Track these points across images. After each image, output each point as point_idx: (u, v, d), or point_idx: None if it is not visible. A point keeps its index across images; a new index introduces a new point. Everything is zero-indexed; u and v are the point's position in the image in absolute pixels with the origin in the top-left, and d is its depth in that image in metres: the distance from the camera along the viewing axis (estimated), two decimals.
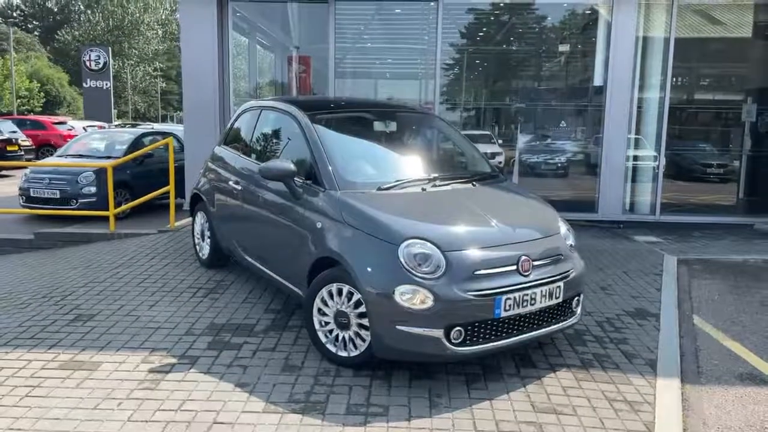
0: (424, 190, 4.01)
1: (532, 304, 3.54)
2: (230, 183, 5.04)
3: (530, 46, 10.74)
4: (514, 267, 3.52)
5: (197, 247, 5.91)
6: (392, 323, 3.37)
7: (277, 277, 4.45)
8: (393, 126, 4.76)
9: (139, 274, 5.62)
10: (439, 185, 4.08)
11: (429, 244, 3.43)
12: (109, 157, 9.33)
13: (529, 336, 3.61)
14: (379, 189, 3.93)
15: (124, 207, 8.30)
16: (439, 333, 3.32)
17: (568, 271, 3.78)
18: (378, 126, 4.69)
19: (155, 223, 8.07)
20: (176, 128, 16.15)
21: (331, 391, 3.43)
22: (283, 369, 3.70)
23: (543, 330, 3.67)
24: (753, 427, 3.25)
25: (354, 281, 3.51)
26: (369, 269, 3.47)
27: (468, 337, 3.40)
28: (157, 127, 17.90)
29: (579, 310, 3.93)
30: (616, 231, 8.38)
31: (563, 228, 4.03)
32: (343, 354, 3.71)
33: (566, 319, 3.82)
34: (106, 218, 7.69)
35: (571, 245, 3.98)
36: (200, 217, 5.77)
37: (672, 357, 4.08)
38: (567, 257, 3.85)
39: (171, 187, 7.53)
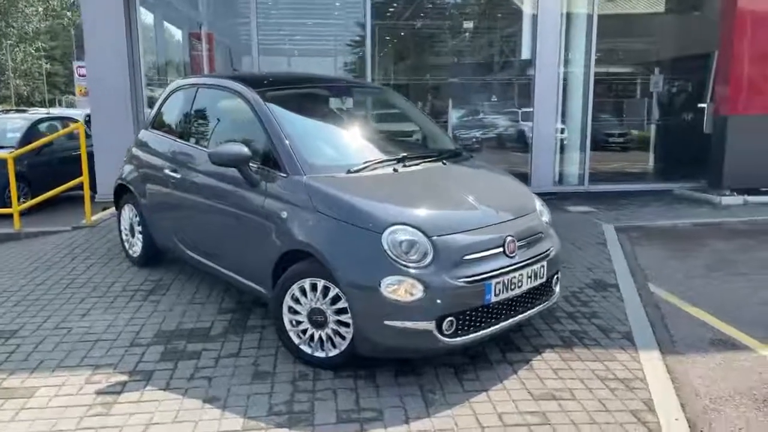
0: (396, 171, 3.72)
1: (519, 287, 3.37)
2: (165, 171, 4.51)
3: (456, 21, 10.61)
4: (501, 249, 3.32)
5: (126, 244, 5.32)
6: (379, 318, 3.08)
7: (232, 274, 4.03)
8: (349, 103, 4.42)
9: (61, 278, 4.97)
10: (410, 165, 3.81)
11: (414, 229, 3.15)
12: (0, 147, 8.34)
13: (516, 319, 3.45)
14: (349, 172, 3.60)
15: (32, 202, 7.39)
16: (430, 325, 3.07)
17: (549, 249, 3.64)
18: (334, 103, 4.33)
19: (65, 218, 7.28)
20: (72, 113, 14.83)
21: (314, 398, 3.11)
22: (254, 377, 3.33)
23: (528, 312, 3.52)
24: (742, 394, 3.26)
25: (331, 275, 3.19)
26: (349, 261, 3.16)
27: (459, 327, 3.18)
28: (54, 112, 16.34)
29: (557, 288, 3.82)
30: (552, 202, 8.46)
31: (538, 204, 3.89)
32: (320, 355, 3.38)
33: (548, 299, 3.69)
34: (6, 216, 6.84)
35: (546, 222, 3.85)
36: (128, 211, 5.18)
37: (644, 328, 4.06)
38: (546, 235, 3.71)
39: (85, 178, 6.78)
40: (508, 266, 3.31)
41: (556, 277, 3.77)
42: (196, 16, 10.27)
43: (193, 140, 4.42)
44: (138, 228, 5.08)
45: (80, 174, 6.79)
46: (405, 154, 3.91)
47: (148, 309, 4.29)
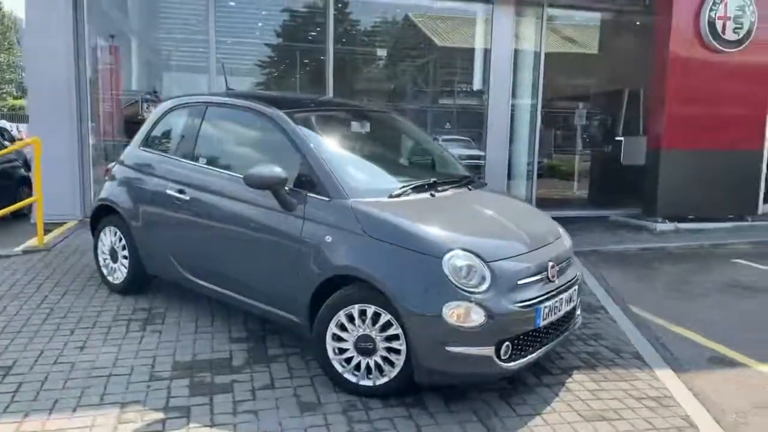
0: (433, 195, 3.74)
1: (559, 311, 3.48)
2: (169, 193, 4.26)
3: (413, 49, 10.87)
4: (546, 273, 3.43)
5: (104, 269, 4.94)
6: (440, 345, 3.07)
7: (255, 303, 3.85)
8: (367, 127, 4.39)
9: (35, 307, 4.53)
10: (441, 190, 3.85)
11: (472, 255, 3.18)
12: None
13: (554, 343, 3.55)
14: (390, 196, 3.58)
15: None
16: (490, 351, 3.10)
17: (577, 274, 3.79)
18: (355, 127, 4.29)
19: (5, 241, 6.64)
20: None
21: (374, 428, 3.03)
22: (301, 409, 3.20)
23: (562, 336, 3.64)
24: (759, 407, 3.52)
25: (388, 301, 3.14)
26: (408, 287, 3.13)
27: (513, 352, 3.23)
28: None
29: (579, 312, 3.97)
30: None
31: (561, 230, 4.04)
32: (367, 383, 3.31)
33: (575, 323, 3.83)
34: None
35: (568, 247, 4.00)
36: (109, 234, 4.82)
37: (648, 348, 4.30)
38: (573, 260, 3.86)
39: (39, 197, 6.23)
40: (552, 290, 3.42)
41: (579, 301, 3.92)
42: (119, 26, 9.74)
43: (204, 161, 4.21)
44: (122, 253, 4.74)
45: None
46: (433, 179, 3.95)
47: (152, 340, 4.01)
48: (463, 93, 10.60)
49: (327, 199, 3.49)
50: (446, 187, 3.92)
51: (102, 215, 4.91)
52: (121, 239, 4.73)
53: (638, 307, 5.28)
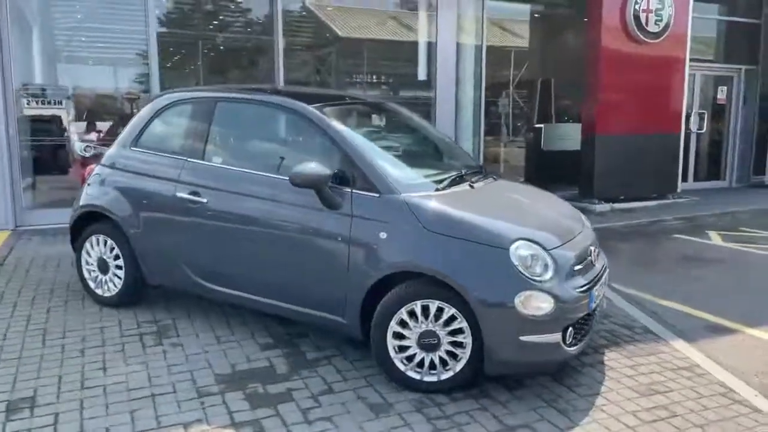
0: (472, 187, 3.75)
1: (601, 294, 3.63)
2: (179, 194, 3.96)
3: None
4: (590, 258, 3.56)
5: (90, 282, 4.53)
6: (512, 335, 3.11)
7: (287, 306, 3.70)
8: (384, 119, 4.31)
9: (23, 330, 4.08)
10: (476, 181, 3.87)
11: (534, 244, 3.24)
12: None
13: (595, 326, 3.69)
14: (437, 189, 3.56)
15: None
16: (558, 337, 3.19)
17: (605, 260, 3.96)
18: (375, 120, 4.20)
19: None
20: None
21: (456, 423, 3.03)
22: (373, 410, 3.13)
23: (597, 318, 3.79)
24: None
25: (455, 295, 3.14)
26: (478, 279, 3.13)
27: (574, 336, 3.33)
28: None
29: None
30: None
31: (582, 215, 4.19)
32: (431, 379, 3.29)
33: (603, 305, 3.99)
34: None
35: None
36: (99, 244, 4.42)
37: (652, 323, 4.58)
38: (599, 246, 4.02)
39: None
40: (598, 274, 3.56)
41: None
42: None
43: (219, 160, 3.95)
44: (115, 263, 4.37)
45: None
46: (462, 171, 3.97)
47: (177, 354, 3.75)
48: (410, 84, 10.66)
49: (376, 195, 3.41)
50: (476, 178, 3.95)
51: (85, 224, 4.49)
52: (112, 249, 4.36)
53: (620, 284, 5.58)
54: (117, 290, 4.41)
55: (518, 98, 13.60)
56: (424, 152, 4.39)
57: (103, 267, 4.43)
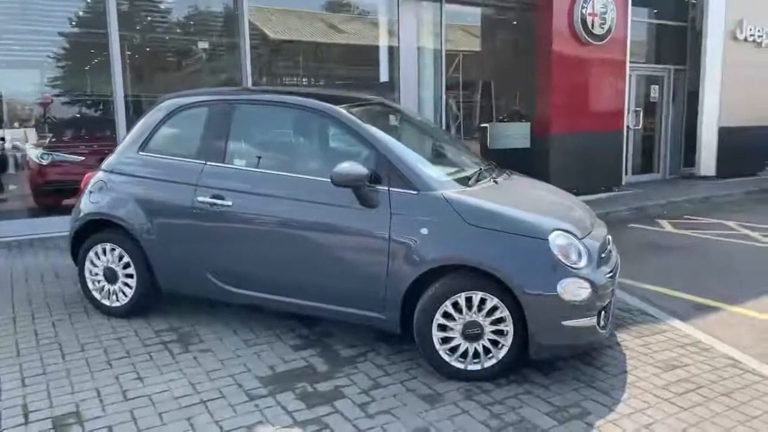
0: (496, 182, 3.91)
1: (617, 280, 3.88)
2: (201, 198, 3.89)
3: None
4: (609, 247, 3.80)
5: (95, 293, 4.36)
6: (556, 320, 3.29)
7: (322, 305, 3.73)
8: (398, 119, 4.39)
9: (36, 345, 3.89)
10: (497, 176, 4.03)
11: (568, 234, 3.44)
12: None
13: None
14: (468, 185, 3.69)
15: None
16: (594, 321, 3.39)
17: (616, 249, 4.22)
18: (392, 120, 4.27)
19: None
20: None
21: (509, 407, 3.17)
22: (426, 401, 3.23)
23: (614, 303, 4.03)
24: (763, 339, 4.25)
25: (499, 285, 3.28)
26: (523, 269, 3.29)
27: (605, 320, 3.55)
28: None
29: None
30: None
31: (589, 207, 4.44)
32: (475, 368, 3.43)
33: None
34: None
35: None
36: (106, 253, 4.26)
37: (646, 305, 4.91)
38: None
39: None
40: (617, 262, 3.80)
41: None
42: None
43: (243, 162, 3.91)
44: (124, 272, 4.23)
45: None
46: (480, 168, 4.12)
47: (210, 359, 3.70)
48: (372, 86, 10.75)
49: (414, 192, 3.50)
50: (495, 173, 4.12)
51: (89, 233, 4.33)
52: (121, 257, 4.22)
53: None
54: (127, 300, 4.28)
55: (466, 99, 13.97)
56: (438, 150, 4.52)
57: (111, 276, 4.28)
